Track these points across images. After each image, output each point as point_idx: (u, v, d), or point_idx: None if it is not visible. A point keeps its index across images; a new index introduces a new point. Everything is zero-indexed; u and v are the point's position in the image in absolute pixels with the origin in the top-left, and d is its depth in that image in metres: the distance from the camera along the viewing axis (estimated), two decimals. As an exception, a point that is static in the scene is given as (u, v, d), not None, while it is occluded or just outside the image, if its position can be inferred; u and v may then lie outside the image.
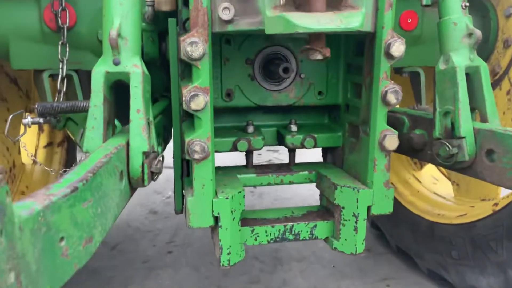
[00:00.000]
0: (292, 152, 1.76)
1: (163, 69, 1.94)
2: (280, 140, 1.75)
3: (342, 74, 1.68)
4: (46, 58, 1.93)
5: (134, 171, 1.21)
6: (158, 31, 1.81)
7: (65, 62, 1.79)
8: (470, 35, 1.44)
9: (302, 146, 1.68)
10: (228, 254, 1.42)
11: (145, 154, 1.22)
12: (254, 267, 2.60)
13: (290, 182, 1.71)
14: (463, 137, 1.42)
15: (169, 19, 1.50)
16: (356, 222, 1.49)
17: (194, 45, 1.24)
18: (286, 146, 1.70)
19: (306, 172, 1.71)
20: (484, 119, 1.49)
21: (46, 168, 2.10)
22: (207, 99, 1.29)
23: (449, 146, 1.44)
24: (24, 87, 2.59)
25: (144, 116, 1.22)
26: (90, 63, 2.01)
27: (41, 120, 1.89)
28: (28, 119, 1.86)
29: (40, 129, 2.87)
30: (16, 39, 1.91)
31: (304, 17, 1.08)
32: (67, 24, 1.82)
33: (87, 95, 2.53)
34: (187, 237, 3.04)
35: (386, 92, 1.39)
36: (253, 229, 1.52)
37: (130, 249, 2.87)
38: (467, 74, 1.46)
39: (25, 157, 2.60)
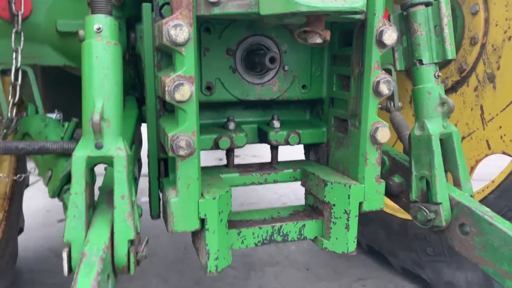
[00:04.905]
0: (275, 149, 1.67)
1: (130, 63, 1.79)
2: (262, 137, 1.65)
3: (327, 66, 1.61)
4: (-3, 54, 1.73)
5: (120, 260, 1.11)
6: (125, 18, 1.67)
7: (19, 52, 1.60)
8: (443, 104, 1.48)
9: (286, 143, 1.60)
10: (216, 259, 1.30)
11: (131, 242, 1.12)
12: (227, 274, 2.48)
13: (275, 181, 1.61)
14: (440, 203, 1.45)
15: (143, 4, 1.37)
16: (347, 220, 1.42)
17: (179, 29, 1.12)
18: (269, 143, 1.60)
19: (291, 170, 1.63)
20: (456, 182, 1.55)
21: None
22: (192, 89, 1.17)
23: (427, 211, 1.48)
24: None
25: (129, 201, 1.12)
26: (47, 57, 1.82)
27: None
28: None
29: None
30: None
31: (305, -5, 0.99)
32: (22, 11, 1.63)
33: (43, 91, 2.31)
34: (152, 245, 2.86)
35: (378, 82, 1.33)
36: (240, 232, 1.41)
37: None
38: (440, 140, 1.50)
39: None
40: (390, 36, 1.31)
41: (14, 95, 1.55)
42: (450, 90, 2.45)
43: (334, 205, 1.43)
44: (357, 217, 1.43)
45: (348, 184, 1.40)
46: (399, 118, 2.03)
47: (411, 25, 1.50)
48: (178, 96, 1.15)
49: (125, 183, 1.12)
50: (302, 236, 1.48)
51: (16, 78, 1.57)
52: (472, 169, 2.32)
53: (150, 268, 2.58)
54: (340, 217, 1.43)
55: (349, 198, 1.40)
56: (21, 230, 2.53)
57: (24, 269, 2.54)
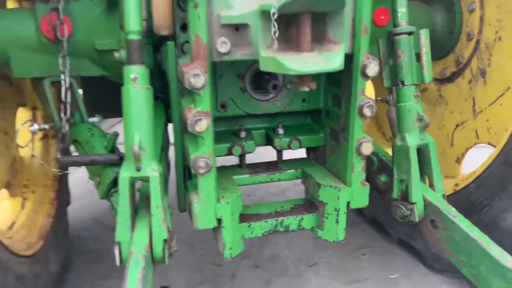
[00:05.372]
0: (279, 152, 1.98)
1: (157, 74, 2.09)
2: (268, 141, 1.96)
3: (323, 84, 1.88)
4: (45, 67, 2.05)
5: (157, 255, 1.47)
6: (152, 43, 1.95)
7: (67, 74, 1.91)
8: (420, 120, 1.73)
9: (289, 147, 1.90)
10: (230, 248, 1.67)
11: (165, 241, 1.47)
12: (244, 243, 2.87)
13: (279, 180, 1.94)
14: (415, 203, 1.75)
15: (168, 42, 1.65)
16: (337, 216, 1.74)
17: (197, 77, 1.41)
18: (274, 148, 1.92)
19: (293, 171, 1.94)
20: (431, 183, 1.83)
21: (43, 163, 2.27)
22: (208, 121, 1.48)
23: (404, 209, 1.78)
24: (15, 82, 2.65)
25: (162, 209, 1.46)
26: (87, 69, 2.13)
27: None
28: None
29: (35, 121, 2.96)
30: (15, 49, 2.00)
31: (294, 60, 1.26)
32: (66, 37, 1.92)
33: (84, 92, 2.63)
34: (180, 216, 3.27)
35: (362, 106, 1.61)
36: (250, 225, 1.76)
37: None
38: (419, 149, 1.78)
39: (23, 151, 2.73)
40: (372, 69, 1.56)
41: (65, 112, 1.88)
42: (448, 80, 2.66)
43: (326, 203, 1.75)
44: (345, 214, 1.75)
45: (338, 188, 1.72)
46: (393, 115, 2.29)
47: (396, 50, 1.74)
48: (198, 128, 1.46)
49: (159, 195, 1.47)
50: (301, 227, 1.82)
51: (66, 97, 1.90)
52: (463, 155, 2.58)
53: (179, 236, 2.99)
54: (331, 213, 1.75)
55: (338, 199, 1.72)
56: (68, 203, 2.96)
57: (72, 237, 2.99)
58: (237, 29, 1.44)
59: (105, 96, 2.66)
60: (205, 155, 1.51)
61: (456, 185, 2.38)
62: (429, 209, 1.75)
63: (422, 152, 1.80)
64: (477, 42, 2.42)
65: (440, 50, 2.61)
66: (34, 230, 2.32)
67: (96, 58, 2.09)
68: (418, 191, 1.75)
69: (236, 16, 1.41)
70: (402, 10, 1.71)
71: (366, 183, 1.74)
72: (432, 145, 1.79)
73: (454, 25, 2.50)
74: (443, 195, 1.83)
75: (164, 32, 1.63)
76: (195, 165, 1.51)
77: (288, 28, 1.36)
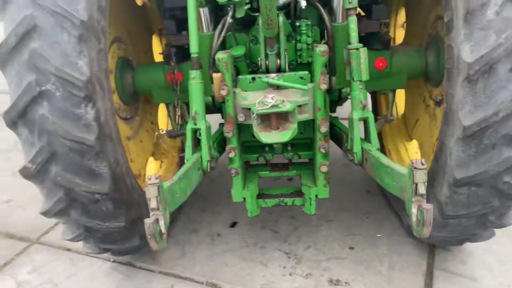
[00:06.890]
0: (289, 160, 3.42)
1: None
2: (282, 151, 3.41)
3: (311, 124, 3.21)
4: (169, 97, 3.70)
5: (204, 167, 2.95)
6: None
7: (178, 109, 3.56)
8: (361, 103, 2.81)
9: (293, 158, 3.33)
10: (251, 212, 3.24)
11: (208, 161, 2.94)
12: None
13: (287, 176, 3.41)
14: (355, 152, 2.88)
15: (222, 104, 3.15)
16: (310, 202, 3.17)
17: (228, 133, 2.92)
18: (284, 158, 3.36)
19: (295, 171, 3.38)
20: (369, 140, 2.88)
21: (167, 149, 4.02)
22: (236, 152, 2.99)
23: (350, 155, 2.95)
24: None
25: (207, 146, 2.91)
26: None
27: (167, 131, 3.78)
28: (163, 132, 3.77)
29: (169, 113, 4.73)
30: (154, 87, 3.68)
31: (265, 136, 2.67)
32: (179, 88, 3.53)
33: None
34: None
35: (319, 147, 2.95)
36: (264, 200, 3.29)
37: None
38: (364, 120, 2.88)
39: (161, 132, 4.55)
40: (324, 128, 2.87)
41: (179, 128, 3.56)
42: (438, 103, 3.66)
43: (305, 194, 3.18)
44: (315, 200, 3.16)
45: (310, 187, 3.13)
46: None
47: (349, 58, 2.86)
48: (230, 155, 2.99)
49: (205, 138, 2.92)
50: (294, 204, 3.29)
51: (178, 121, 3.56)
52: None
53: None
54: (308, 200, 3.18)
55: (310, 193, 3.13)
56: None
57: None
58: (249, 109, 2.87)
59: None
60: (235, 167, 3.06)
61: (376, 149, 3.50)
62: (364, 153, 2.87)
63: (365, 122, 2.89)
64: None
65: (434, 81, 3.61)
66: (165, 183, 4.15)
67: None
68: (358, 145, 2.85)
69: (248, 104, 2.84)
70: (353, 34, 2.79)
71: (327, 185, 3.11)
72: (371, 118, 2.86)
73: (439, 67, 3.46)
74: (378, 148, 2.88)
75: (220, 100, 3.12)
76: (231, 172, 3.07)
77: (267, 115, 2.75)
